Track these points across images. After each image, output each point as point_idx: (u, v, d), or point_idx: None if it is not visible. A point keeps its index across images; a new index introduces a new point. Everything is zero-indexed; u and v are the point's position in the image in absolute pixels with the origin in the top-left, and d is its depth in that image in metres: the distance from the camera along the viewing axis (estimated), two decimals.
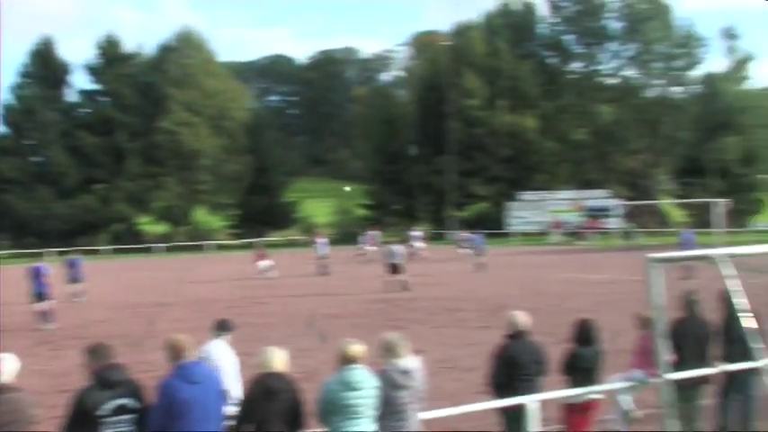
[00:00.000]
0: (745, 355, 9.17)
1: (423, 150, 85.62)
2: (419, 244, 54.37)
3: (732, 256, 7.95)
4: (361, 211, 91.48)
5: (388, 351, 7.98)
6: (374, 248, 52.64)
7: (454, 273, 39.76)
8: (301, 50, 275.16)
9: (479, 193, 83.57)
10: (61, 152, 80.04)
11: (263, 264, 40.63)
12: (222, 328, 9.93)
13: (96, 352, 7.42)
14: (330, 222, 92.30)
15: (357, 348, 7.64)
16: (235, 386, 9.25)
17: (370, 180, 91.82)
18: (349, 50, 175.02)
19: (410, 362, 7.98)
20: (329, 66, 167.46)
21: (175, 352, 7.45)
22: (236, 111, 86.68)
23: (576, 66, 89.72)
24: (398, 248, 33.56)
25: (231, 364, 9.43)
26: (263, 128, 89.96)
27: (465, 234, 56.36)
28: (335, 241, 60.70)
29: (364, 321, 22.59)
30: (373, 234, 57.67)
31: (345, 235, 77.64)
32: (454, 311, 24.74)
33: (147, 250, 74.17)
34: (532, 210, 73.40)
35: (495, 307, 24.81)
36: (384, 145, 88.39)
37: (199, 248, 74.83)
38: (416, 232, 58.55)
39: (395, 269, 32.60)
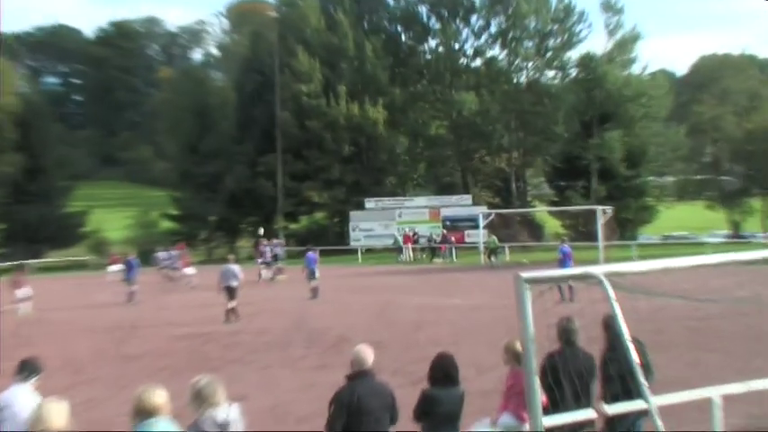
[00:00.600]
0: (631, 392, 9.47)
1: (245, 148, 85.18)
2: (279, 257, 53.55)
3: (614, 274, 8.20)
4: (168, 224, 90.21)
5: (200, 398, 7.88)
6: (188, 271, 51.80)
7: (284, 299, 39.68)
8: (89, 20, 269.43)
9: (315, 200, 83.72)
10: None
11: (21, 292, 39.32)
12: (27, 369, 9.58)
13: None
14: (128, 238, 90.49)
15: (158, 396, 7.49)
16: None
17: (179, 185, 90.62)
18: (151, 21, 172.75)
19: (227, 411, 7.89)
20: (125, 40, 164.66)
21: None
22: (1, 96, 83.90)
23: (432, 44, 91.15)
24: (236, 268, 33.14)
25: None
26: (37, 118, 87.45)
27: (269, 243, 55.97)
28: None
29: (171, 362, 22.26)
30: (177, 252, 56.54)
31: (146, 254, 76.20)
32: (284, 347, 24.69)
33: None
34: (380, 220, 74.14)
35: (334, 340, 24.88)
36: (196, 141, 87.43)
37: None
38: (276, 243, 56.86)
39: (231, 293, 32.22)
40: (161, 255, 56.72)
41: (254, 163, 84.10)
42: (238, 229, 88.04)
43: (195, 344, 26.02)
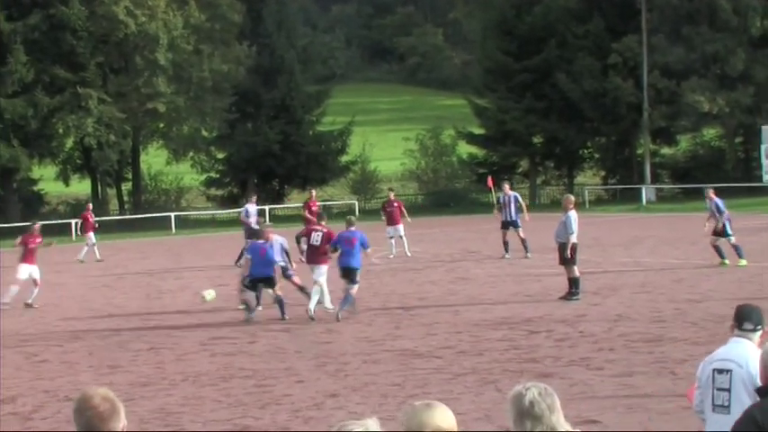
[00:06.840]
0: None
1: (590, 28, 65.53)
2: None
3: None
4: (468, 149, 74.31)
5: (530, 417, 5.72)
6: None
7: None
8: None
9: (704, 108, 60.67)
10: None
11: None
12: (753, 320, 8.38)
13: None
14: (407, 171, 76.92)
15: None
16: None
17: (485, 88, 72.03)
18: None
19: None
20: None
21: None
22: None
23: None
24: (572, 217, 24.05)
25: None
26: None
27: None
28: None
29: (479, 362, 16.72)
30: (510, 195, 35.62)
31: (439, 197, 67.74)
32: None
33: None
34: None
35: None
36: (512, 20, 68.16)
37: None
38: None
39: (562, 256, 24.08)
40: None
41: (603, 51, 64.73)
42: (578, 155, 70.52)
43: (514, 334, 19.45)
